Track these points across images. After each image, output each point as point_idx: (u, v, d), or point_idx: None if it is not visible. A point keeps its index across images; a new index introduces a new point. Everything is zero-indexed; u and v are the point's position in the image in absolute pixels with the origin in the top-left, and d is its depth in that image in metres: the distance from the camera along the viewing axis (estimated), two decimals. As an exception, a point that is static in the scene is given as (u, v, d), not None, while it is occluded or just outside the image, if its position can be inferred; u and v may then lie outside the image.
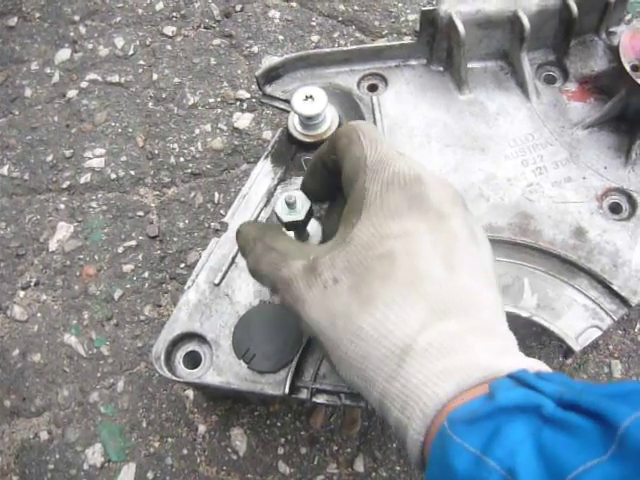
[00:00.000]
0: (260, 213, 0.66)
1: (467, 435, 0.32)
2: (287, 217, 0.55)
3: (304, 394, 0.59)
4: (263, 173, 0.68)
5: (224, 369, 0.60)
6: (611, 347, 0.78)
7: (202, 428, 0.75)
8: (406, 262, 0.41)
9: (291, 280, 0.45)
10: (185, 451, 0.75)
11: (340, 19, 1.01)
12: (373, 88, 0.74)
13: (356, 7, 1.02)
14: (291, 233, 0.61)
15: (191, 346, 0.62)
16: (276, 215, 0.55)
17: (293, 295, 0.44)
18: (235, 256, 0.64)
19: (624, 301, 0.62)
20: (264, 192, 0.67)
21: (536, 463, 0.29)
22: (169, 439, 0.75)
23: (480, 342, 0.39)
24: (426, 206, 0.44)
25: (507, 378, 0.35)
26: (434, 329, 0.39)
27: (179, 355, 0.61)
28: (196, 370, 0.60)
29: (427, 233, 0.43)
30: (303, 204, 0.55)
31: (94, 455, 0.75)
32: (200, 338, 0.61)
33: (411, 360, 0.38)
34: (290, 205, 0.54)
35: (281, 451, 0.74)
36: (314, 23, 1.01)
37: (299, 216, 0.54)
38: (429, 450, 0.35)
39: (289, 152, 0.69)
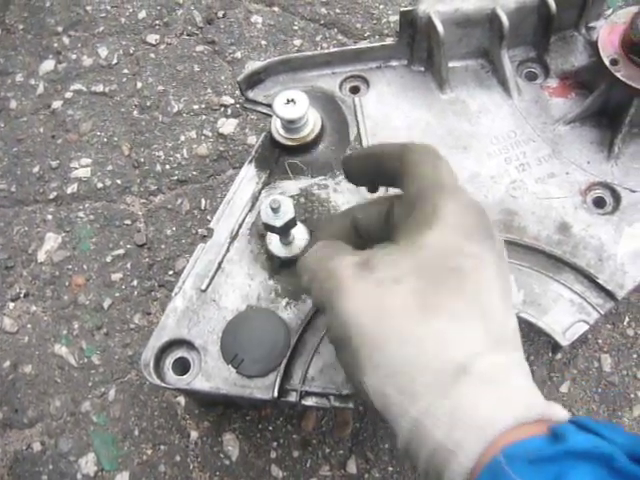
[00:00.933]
0: (245, 218, 0.66)
1: (527, 475, 0.31)
2: (271, 221, 0.55)
3: (293, 397, 0.59)
4: (247, 178, 0.68)
5: (213, 374, 0.60)
6: (600, 341, 0.79)
7: (194, 434, 0.75)
8: (475, 281, 0.41)
9: (337, 269, 0.44)
10: (178, 458, 0.75)
11: (322, 22, 1.02)
12: (355, 90, 0.74)
13: (338, 10, 1.02)
14: (276, 237, 0.62)
15: (180, 352, 0.62)
16: (262, 220, 0.56)
17: (334, 284, 0.43)
18: (221, 262, 0.64)
19: (610, 295, 0.62)
20: (249, 197, 0.67)
21: None
22: (162, 446, 0.75)
23: (528, 381, 0.39)
24: (494, 240, 0.44)
25: (570, 423, 0.35)
26: (490, 356, 0.39)
27: (168, 362, 0.61)
28: (185, 376, 0.60)
29: (494, 264, 0.43)
30: (287, 208, 0.55)
31: (87, 465, 0.75)
32: (188, 344, 0.61)
33: (468, 380, 0.37)
34: (274, 210, 0.54)
35: (273, 455, 0.74)
36: (296, 27, 1.02)
37: (283, 220, 0.55)
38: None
39: (273, 156, 0.69)
